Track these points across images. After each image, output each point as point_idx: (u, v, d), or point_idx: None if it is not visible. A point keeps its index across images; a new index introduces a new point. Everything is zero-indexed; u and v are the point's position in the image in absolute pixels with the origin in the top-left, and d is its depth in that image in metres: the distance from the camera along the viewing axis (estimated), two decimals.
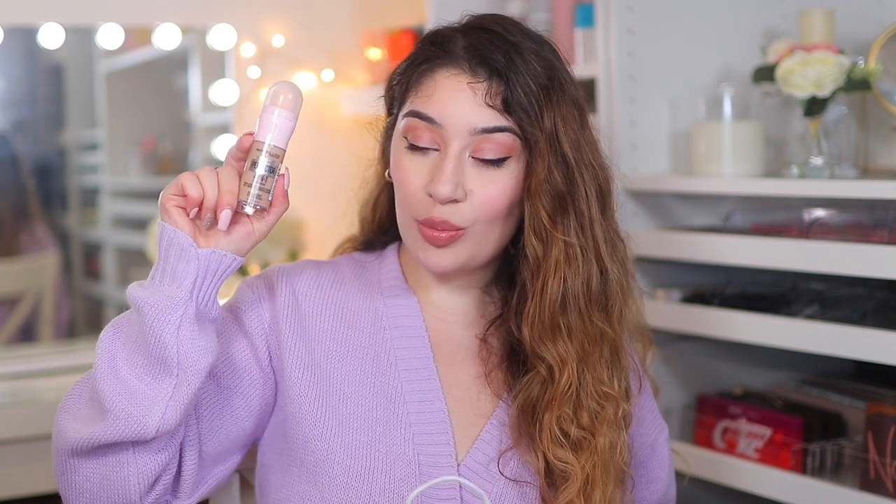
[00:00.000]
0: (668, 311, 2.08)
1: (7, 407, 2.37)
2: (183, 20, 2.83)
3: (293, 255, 2.81)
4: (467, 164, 1.32)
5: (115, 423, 1.22)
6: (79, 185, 2.94)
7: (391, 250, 1.47)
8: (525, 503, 1.35)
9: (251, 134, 1.26)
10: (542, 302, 1.33)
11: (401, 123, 1.36)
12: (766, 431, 2.01)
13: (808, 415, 2.01)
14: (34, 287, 2.84)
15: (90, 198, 2.97)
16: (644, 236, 2.12)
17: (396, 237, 1.45)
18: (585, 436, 1.33)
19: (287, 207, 1.31)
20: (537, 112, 1.31)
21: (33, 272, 2.85)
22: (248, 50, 2.87)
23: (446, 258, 1.34)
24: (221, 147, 2.87)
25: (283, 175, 1.29)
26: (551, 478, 1.35)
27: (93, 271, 2.99)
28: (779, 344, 1.90)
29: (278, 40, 2.89)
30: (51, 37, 2.72)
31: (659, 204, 2.19)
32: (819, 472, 1.95)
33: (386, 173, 1.43)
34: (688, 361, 2.19)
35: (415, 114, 1.33)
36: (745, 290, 2.10)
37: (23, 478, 2.33)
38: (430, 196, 1.32)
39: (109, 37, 2.77)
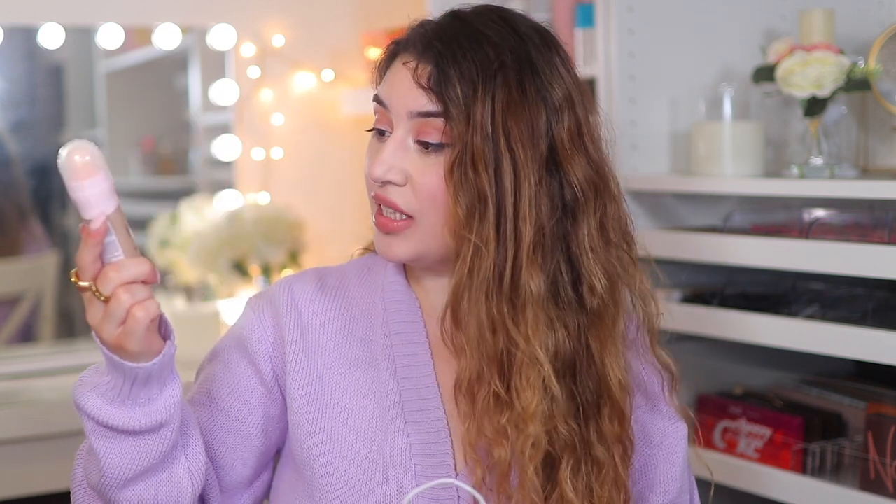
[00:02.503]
0: (668, 311, 2.07)
1: (7, 407, 2.37)
2: (183, 20, 2.83)
3: (293, 255, 2.81)
4: (411, 149, 1.29)
5: None
6: None
7: None
8: None
9: (86, 227, 1.11)
10: (450, 293, 1.29)
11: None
12: (766, 431, 2.01)
13: (808, 415, 2.01)
14: (34, 287, 2.84)
15: None
16: (644, 236, 2.11)
17: None
18: (493, 447, 1.27)
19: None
20: (469, 99, 1.25)
21: (33, 272, 2.85)
22: (248, 50, 2.87)
23: (398, 247, 1.31)
24: (221, 147, 2.87)
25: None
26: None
27: None
28: (779, 344, 1.90)
29: (278, 40, 2.89)
30: (51, 37, 2.72)
31: (659, 204, 2.19)
32: (819, 472, 1.95)
33: None
34: (688, 361, 2.18)
35: (374, 98, 1.33)
36: (745, 290, 2.10)
37: (23, 478, 2.33)
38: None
39: (109, 37, 2.77)
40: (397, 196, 1.29)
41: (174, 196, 2.87)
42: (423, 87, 1.27)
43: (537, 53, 1.29)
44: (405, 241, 1.31)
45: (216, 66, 2.88)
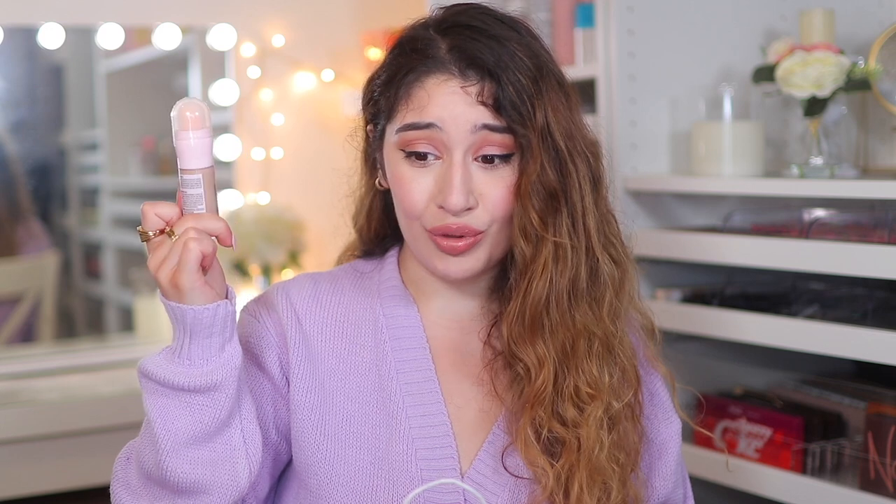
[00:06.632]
0: (668, 311, 2.08)
1: (7, 407, 2.37)
2: (183, 20, 2.83)
3: (293, 255, 2.81)
4: (472, 168, 1.28)
5: (218, 494, 1.23)
6: (79, 185, 2.95)
7: (390, 258, 1.43)
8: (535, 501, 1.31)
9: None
10: (525, 302, 1.29)
11: (394, 138, 1.31)
12: (766, 431, 2.01)
13: (808, 415, 2.01)
14: (34, 287, 2.84)
15: (90, 198, 2.97)
16: (644, 236, 2.12)
17: (395, 243, 1.43)
18: (566, 436, 1.29)
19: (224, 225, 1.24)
20: (529, 109, 1.27)
21: (33, 272, 2.85)
22: (248, 50, 2.88)
23: (466, 264, 1.31)
24: (221, 147, 2.87)
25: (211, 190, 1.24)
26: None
27: (93, 271, 2.99)
28: (779, 344, 1.90)
29: (278, 40, 2.89)
30: (51, 37, 2.72)
31: (659, 204, 2.19)
32: (819, 472, 1.96)
33: (376, 181, 1.39)
34: (688, 361, 2.19)
35: (411, 126, 1.29)
36: (745, 290, 2.10)
37: (23, 478, 2.33)
38: (442, 208, 1.28)
39: (109, 37, 2.77)
40: (472, 220, 1.29)
41: (174, 196, 2.86)
42: (484, 104, 1.27)
43: (537, 44, 1.32)
44: (473, 254, 1.31)
45: (216, 66, 2.88)
